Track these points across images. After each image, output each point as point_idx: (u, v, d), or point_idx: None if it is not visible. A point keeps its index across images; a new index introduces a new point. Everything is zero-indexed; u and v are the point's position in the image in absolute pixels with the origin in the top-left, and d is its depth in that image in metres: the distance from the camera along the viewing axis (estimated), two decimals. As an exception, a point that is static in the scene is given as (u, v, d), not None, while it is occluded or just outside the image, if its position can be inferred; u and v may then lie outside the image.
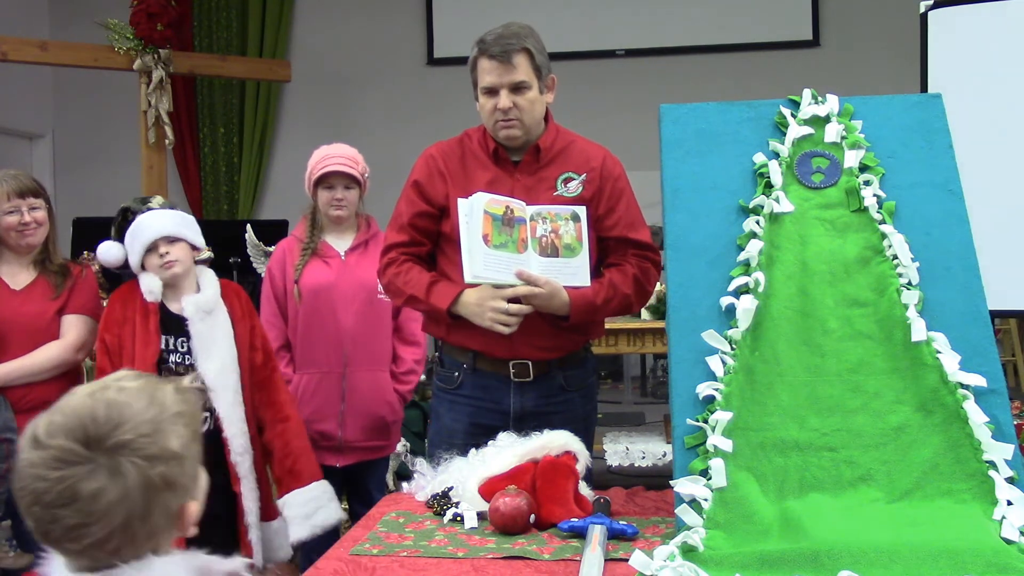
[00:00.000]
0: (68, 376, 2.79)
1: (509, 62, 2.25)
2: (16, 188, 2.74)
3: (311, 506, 2.62)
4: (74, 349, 2.75)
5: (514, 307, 2.19)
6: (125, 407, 1.07)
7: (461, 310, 2.25)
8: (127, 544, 1.06)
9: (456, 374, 2.38)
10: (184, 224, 2.60)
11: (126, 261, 2.60)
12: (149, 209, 2.58)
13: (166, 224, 2.55)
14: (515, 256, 2.20)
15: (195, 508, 1.13)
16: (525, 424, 2.18)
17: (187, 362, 2.53)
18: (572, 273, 2.25)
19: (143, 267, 2.56)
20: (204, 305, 2.57)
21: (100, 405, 1.06)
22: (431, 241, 2.41)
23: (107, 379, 1.12)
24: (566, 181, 2.35)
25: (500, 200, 2.22)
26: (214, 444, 2.50)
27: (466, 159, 2.38)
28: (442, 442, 2.34)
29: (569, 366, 2.38)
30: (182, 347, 2.55)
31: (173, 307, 2.57)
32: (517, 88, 2.27)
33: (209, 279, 2.64)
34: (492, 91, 2.28)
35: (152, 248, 2.53)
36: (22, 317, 2.71)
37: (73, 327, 2.75)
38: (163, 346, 2.53)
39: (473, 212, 2.20)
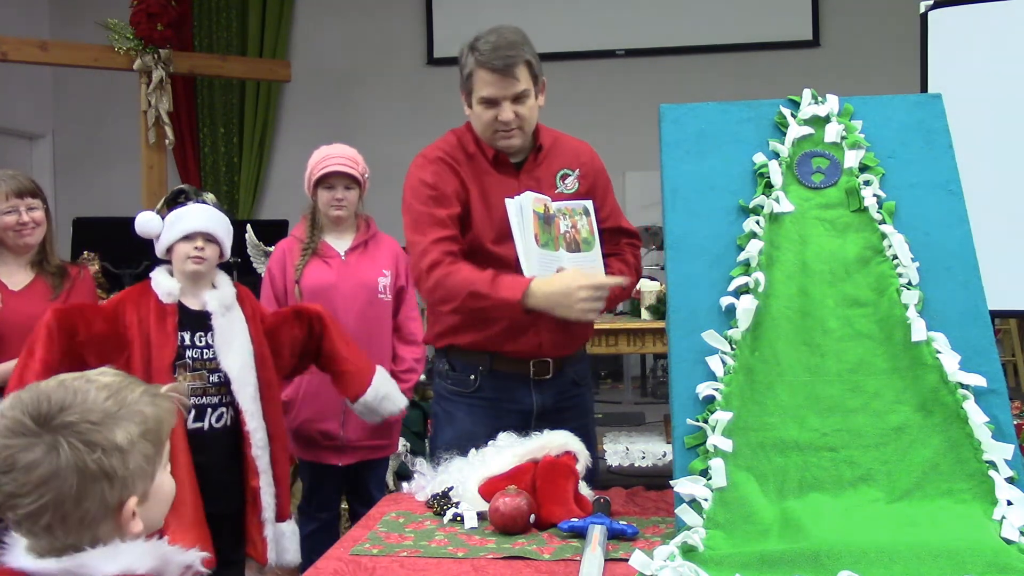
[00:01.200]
0: None
1: (512, 75, 2.22)
2: (14, 188, 2.74)
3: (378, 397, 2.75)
4: None
5: (606, 293, 2.16)
6: (82, 394, 1.13)
7: (538, 301, 2.12)
8: (59, 524, 1.10)
9: (472, 377, 2.35)
10: (226, 230, 2.62)
11: (150, 242, 2.61)
12: (203, 200, 2.60)
13: (211, 222, 2.57)
14: (554, 254, 2.21)
15: (133, 504, 1.14)
16: (544, 421, 2.21)
17: (205, 356, 2.53)
18: (591, 266, 2.26)
19: (168, 251, 2.56)
20: (225, 300, 2.58)
21: (61, 389, 1.13)
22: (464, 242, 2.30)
23: (89, 372, 1.19)
24: (563, 178, 2.36)
25: (540, 198, 2.22)
26: (232, 439, 2.54)
27: (472, 163, 2.34)
28: (461, 447, 2.19)
29: (576, 361, 2.43)
30: (199, 342, 2.53)
31: (190, 303, 2.56)
32: (517, 98, 2.24)
33: (224, 279, 2.65)
34: (492, 102, 2.24)
35: (188, 238, 2.53)
36: (20, 318, 2.71)
37: None
38: (179, 342, 2.51)
39: (523, 212, 2.18)
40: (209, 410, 2.52)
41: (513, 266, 2.19)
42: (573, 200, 2.32)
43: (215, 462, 2.51)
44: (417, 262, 2.27)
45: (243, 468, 2.54)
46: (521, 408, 2.33)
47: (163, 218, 2.58)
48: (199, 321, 2.55)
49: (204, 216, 2.56)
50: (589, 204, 2.32)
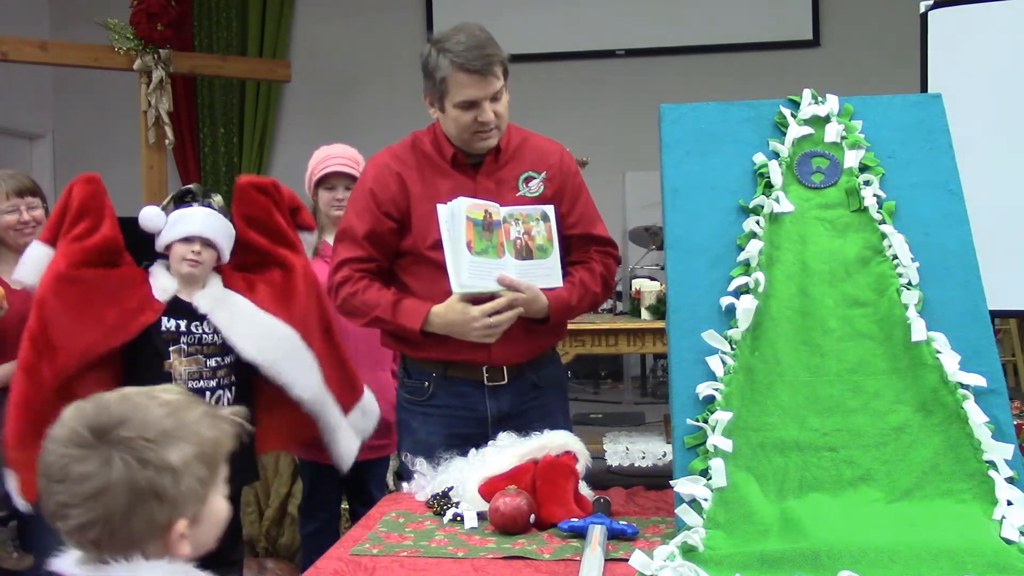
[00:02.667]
0: None
1: (492, 74, 2.17)
2: (15, 187, 2.75)
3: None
4: None
5: (498, 318, 2.15)
6: (142, 409, 1.12)
7: (437, 329, 2.19)
8: (107, 539, 1.09)
9: (426, 384, 2.32)
10: (226, 235, 2.62)
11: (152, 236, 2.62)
12: (209, 203, 2.60)
13: (211, 227, 2.58)
14: (496, 261, 2.16)
15: (182, 528, 1.13)
16: (503, 427, 2.16)
17: (203, 342, 2.54)
18: (546, 274, 2.22)
19: (167, 249, 2.58)
20: (215, 295, 2.58)
21: (123, 403, 1.13)
22: (388, 258, 2.31)
23: (154, 388, 1.18)
24: (527, 180, 2.30)
25: (480, 204, 2.17)
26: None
27: (422, 166, 2.29)
28: (423, 456, 2.20)
29: (540, 365, 2.37)
30: (195, 329, 2.55)
31: (184, 296, 2.57)
32: (494, 97, 2.20)
33: (214, 280, 2.64)
34: (472, 104, 2.18)
35: (187, 240, 2.54)
36: (21, 316, 2.71)
37: None
38: (172, 328, 2.53)
39: (455, 218, 2.13)
40: (207, 394, 2.53)
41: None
42: (531, 205, 2.25)
43: None
44: (330, 275, 2.32)
45: (244, 452, 2.59)
46: (476, 416, 2.28)
47: (168, 214, 2.59)
48: (194, 311, 2.56)
49: (205, 221, 2.57)
50: (549, 209, 2.25)
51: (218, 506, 1.19)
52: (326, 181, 3.06)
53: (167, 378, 2.48)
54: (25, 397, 2.35)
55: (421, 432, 2.31)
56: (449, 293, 2.18)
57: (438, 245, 2.19)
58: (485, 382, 2.29)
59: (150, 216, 2.57)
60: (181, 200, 2.60)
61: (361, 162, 3.13)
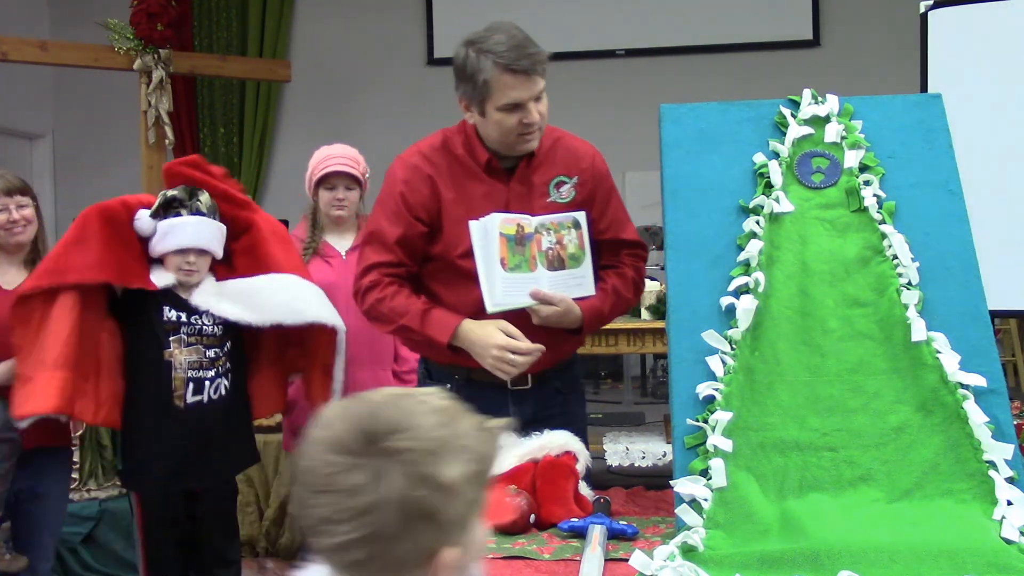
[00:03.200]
0: None
1: (537, 73, 2.08)
2: (3, 187, 2.74)
3: None
4: None
5: (521, 359, 2.06)
6: (416, 416, 0.99)
7: (463, 345, 2.12)
8: (369, 562, 0.95)
9: (448, 387, 2.21)
10: (218, 238, 2.65)
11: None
12: (196, 206, 2.60)
13: (203, 237, 2.60)
14: (528, 276, 2.11)
15: (453, 557, 0.97)
16: (525, 432, 2.10)
17: (203, 332, 2.59)
18: (578, 284, 2.17)
19: (161, 260, 2.60)
20: (208, 291, 2.62)
21: (393, 407, 0.99)
22: (418, 263, 2.23)
23: (417, 391, 1.06)
24: (558, 185, 2.23)
25: (512, 219, 2.11)
26: (231, 404, 2.64)
27: (454, 170, 2.21)
28: None
29: (563, 370, 2.33)
30: (195, 321, 2.59)
31: (182, 293, 2.62)
32: (538, 97, 2.11)
33: (207, 280, 2.67)
34: (518, 106, 2.08)
35: (181, 251, 2.57)
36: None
37: None
38: (174, 318, 2.58)
39: (488, 235, 2.09)
40: (207, 383, 2.58)
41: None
42: (564, 212, 2.19)
43: (214, 432, 2.59)
44: (357, 278, 2.24)
45: (243, 437, 2.73)
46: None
47: (157, 221, 2.59)
48: (193, 308, 2.61)
49: (196, 231, 2.59)
50: (581, 216, 2.20)
51: (480, 535, 1.02)
52: (326, 181, 3.06)
53: (167, 368, 2.54)
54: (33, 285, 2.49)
55: None
56: (477, 302, 2.12)
57: (468, 254, 2.14)
58: (509, 387, 2.22)
59: (143, 222, 2.59)
60: (169, 207, 2.60)
61: (361, 162, 3.13)
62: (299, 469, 0.98)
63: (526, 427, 2.18)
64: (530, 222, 2.14)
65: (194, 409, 2.56)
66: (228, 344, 2.64)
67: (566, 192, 2.23)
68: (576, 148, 2.29)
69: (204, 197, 2.62)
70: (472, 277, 2.13)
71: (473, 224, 2.11)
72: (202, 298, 2.60)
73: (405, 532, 0.94)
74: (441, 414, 1.00)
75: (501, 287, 2.09)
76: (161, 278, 2.58)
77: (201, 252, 2.60)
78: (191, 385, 2.56)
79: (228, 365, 2.64)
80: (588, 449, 2.31)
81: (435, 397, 1.04)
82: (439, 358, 2.25)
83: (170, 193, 2.60)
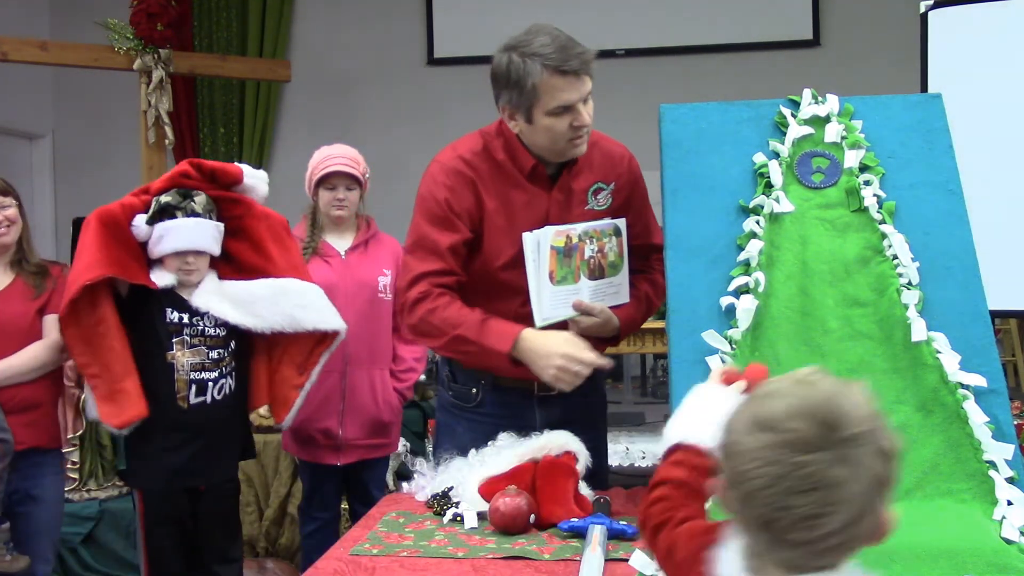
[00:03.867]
0: (51, 376, 2.80)
1: (587, 74, 2.00)
2: None
3: None
4: (58, 349, 2.73)
5: (585, 370, 1.97)
6: (847, 397, 1.02)
7: (522, 355, 2.00)
8: (844, 544, 1.01)
9: (474, 391, 2.22)
10: (215, 237, 2.63)
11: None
12: (192, 206, 2.57)
13: (200, 238, 2.59)
14: (572, 287, 2.07)
15: (892, 515, 1.05)
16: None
17: (206, 333, 2.59)
18: (615, 292, 2.15)
19: (161, 260, 2.59)
20: (208, 290, 2.61)
21: (825, 394, 1.01)
22: (466, 272, 2.13)
23: (802, 373, 1.06)
24: (596, 192, 2.16)
25: (562, 231, 2.06)
26: (235, 403, 2.66)
27: (495, 176, 2.12)
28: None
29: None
30: (197, 322, 2.58)
31: (183, 294, 2.60)
32: (586, 99, 2.03)
33: (208, 277, 2.65)
34: (568, 108, 2.00)
35: (178, 253, 2.56)
36: (2, 318, 2.71)
37: (55, 327, 2.68)
38: (176, 320, 2.57)
39: (541, 249, 2.03)
40: (210, 384, 2.58)
41: (521, 293, 2.07)
42: (604, 220, 2.14)
43: (219, 431, 2.61)
44: (404, 290, 2.12)
45: (243, 431, 2.75)
46: (525, 424, 2.12)
47: (153, 226, 2.56)
48: (194, 310, 2.59)
49: (192, 233, 2.57)
50: (622, 223, 2.15)
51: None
52: (327, 181, 3.07)
53: (170, 369, 2.54)
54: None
55: (466, 438, 2.18)
56: (516, 314, 2.08)
57: (509, 265, 2.10)
58: (536, 392, 2.19)
59: (139, 228, 2.57)
60: (163, 213, 2.56)
61: (361, 162, 3.13)
62: (751, 476, 1.00)
63: (551, 430, 2.16)
64: (575, 231, 2.09)
65: (198, 410, 2.56)
66: (232, 344, 2.64)
67: (603, 199, 2.18)
68: (612, 152, 2.23)
69: (200, 198, 2.60)
70: (511, 289, 2.09)
71: (527, 236, 2.05)
72: (203, 299, 2.59)
73: (872, 506, 1.02)
74: (847, 386, 1.04)
75: (548, 301, 2.05)
76: (161, 278, 2.57)
77: (199, 253, 2.59)
78: (193, 387, 2.55)
79: (233, 364, 2.64)
80: (607, 450, 2.33)
81: (822, 375, 1.05)
82: (497, 370, 2.13)
83: (164, 199, 2.56)
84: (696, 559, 1.11)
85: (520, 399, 2.19)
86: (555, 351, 1.96)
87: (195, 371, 2.56)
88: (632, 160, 2.26)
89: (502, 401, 2.20)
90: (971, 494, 1.69)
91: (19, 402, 2.67)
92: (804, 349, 1.82)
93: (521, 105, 2.02)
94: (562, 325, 2.08)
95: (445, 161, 2.14)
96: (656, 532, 1.23)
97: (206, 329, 2.59)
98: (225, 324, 2.61)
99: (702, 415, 1.30)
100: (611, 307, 2.12)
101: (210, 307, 2.58)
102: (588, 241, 2.09)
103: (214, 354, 2.60)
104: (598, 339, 2.15)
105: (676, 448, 1.31)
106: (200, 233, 2.59)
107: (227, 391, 2.62)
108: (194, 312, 2.59)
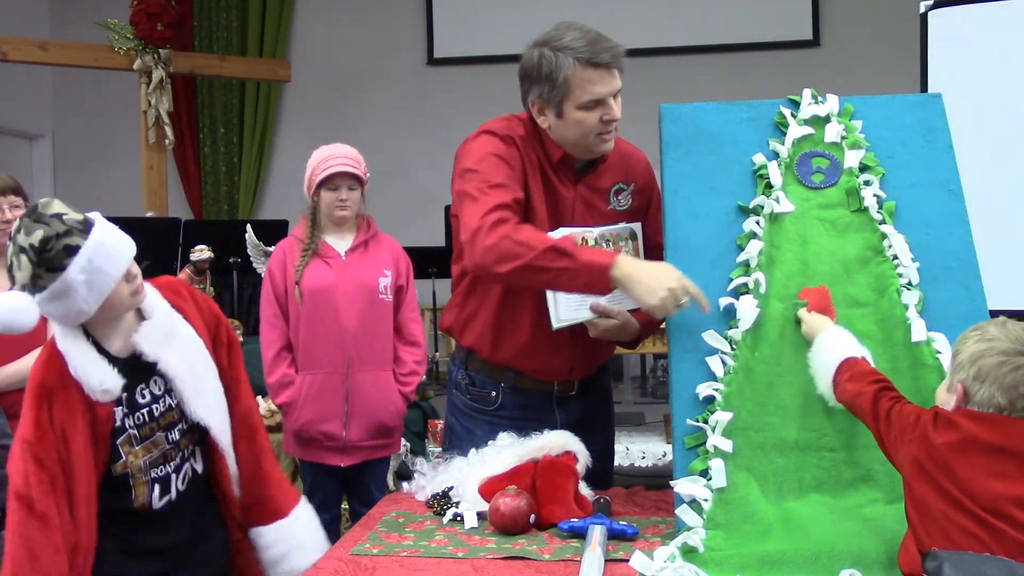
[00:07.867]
0: None
1: (618, 67, 2.01)
2: None
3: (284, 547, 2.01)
4: None
5: (687, 303, 1.83)
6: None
7: (624, 274, 1.85)
8: None
9: (494, 393, 2.21)
10: (131, 247, 1.81)
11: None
12: (63, 225, 1.70)
13: (130, 250, 1.80)
14: None
15: None
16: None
17: (156, 414, 1.85)
18: (627, 298, 2.11)
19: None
20: (164, 328, 1.86)
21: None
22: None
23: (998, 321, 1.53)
24: (617, 193, 2.17)
25: (578, 233, 2.06)
26: (202, 481, 1.96)
27: (531, 161, 2.11)
28: None
29: (598, 375, 2.32)
30: (142, 399, 1.84)
31: (116, 349, 1.82)
32: (616, 94, 2.04)
33: (149, 291, 1.88)
34: (600, 102, 2.00)
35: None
36: None
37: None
38: (116, 418, 1.80)
39: None
40: (174, 476, 1.89)
41: (539, 293, 2.07)
42: (620, 224, 2.14)
43: (195, 524, 1.95)
44: (477, 220, 1.94)
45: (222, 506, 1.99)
46: (544, 425, 2.09)
47: (39, 291, 1.74)
48: (135, 373, 1.82)
49: (119, 252, 1.76)
50: (637, 227, 2.15)
51: None
52: (329, 181, 3.06)
53: (123, 480, 1.83)
54: None
55: (486, 441, 2.11)
56: (541, 308, 2.07)
57: None
58: (555, 394, 2.20)
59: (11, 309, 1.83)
60: (52, 261, 1.69)
61: (362, 161, 3.13)
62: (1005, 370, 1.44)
63: (569, 431, 2.15)
64: (591, 234, 2.08)
65: (165, 514, 1.88)
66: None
67: (624, 200, 2.18)
68: (631, 154, 2.23)
69: (56, 204, 1.76)
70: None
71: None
72: (145, 344, 1.83)
73: None
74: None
75: (564, 303, 2.05)
76: (97, 381, 1.77)
77: (130, 277, 1.80)
78: (155, 487, 1.86)
79: (196, 436, 1.93)
80: (615, 448, 2.31)
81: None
82: (492, 353, 2.13)
83: (42, 236, 1.70)
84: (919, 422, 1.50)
85: (540, 401, 2.19)
86: (670, 274, 1.84)
87: (156, 467, 1.87)
88: (648, 164, 2.26)
89: (521, 403, 2.20)
90: (971, 494, 1.69)
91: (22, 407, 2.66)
92: (804, 349, 1.82)
93: (552, 99, 2.03)
94: (580, 329, 2.08)
95: (495, 130, 2.10)
96: (878, 402, 1.59)
97: (153, 408, 1.85)
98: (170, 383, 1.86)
99: (845, 339, 1.74)
100: (629, 310, 2.10)
101: (155, 353, 1.83)
102: (604, 244, 2.09)
103: (173, 435, 1.88)
104: (618, 343, 2.17)
105: (848, 363, 1.69)
106: (126, 246, 1.79)
107: (190, 476, 1.94)
108: (132, 384, 1.82)
